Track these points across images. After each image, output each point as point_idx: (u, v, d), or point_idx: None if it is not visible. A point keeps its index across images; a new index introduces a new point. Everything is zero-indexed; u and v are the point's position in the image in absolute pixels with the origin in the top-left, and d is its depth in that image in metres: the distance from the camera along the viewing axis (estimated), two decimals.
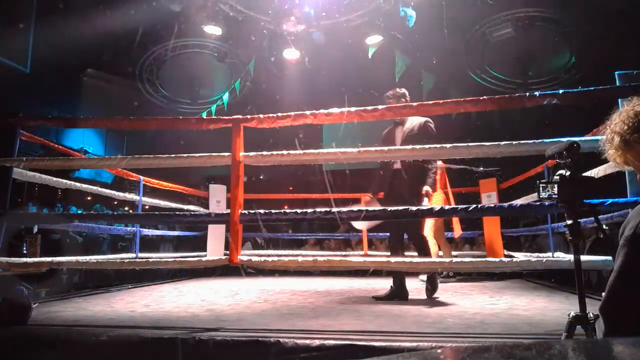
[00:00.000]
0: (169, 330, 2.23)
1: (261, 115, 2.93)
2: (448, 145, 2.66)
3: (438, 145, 2.71)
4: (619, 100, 2.36)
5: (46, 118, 3.30)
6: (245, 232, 6.89)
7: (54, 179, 3.67)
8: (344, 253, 6.31)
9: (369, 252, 6.16)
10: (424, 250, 3.55)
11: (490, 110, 2.92)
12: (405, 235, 3.73)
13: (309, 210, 2.76)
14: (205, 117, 3.07)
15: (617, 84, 2.59)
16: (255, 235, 7.41)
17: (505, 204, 2.86)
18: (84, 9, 7.13)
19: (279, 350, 1.95)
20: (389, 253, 3.86)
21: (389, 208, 2.89)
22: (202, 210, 5.89)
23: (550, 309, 3.03)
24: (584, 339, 1.60)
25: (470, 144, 2.64)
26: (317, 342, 1.95)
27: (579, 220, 1.68)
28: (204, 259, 3.67)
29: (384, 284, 4.87)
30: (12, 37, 6.76)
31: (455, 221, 5.31)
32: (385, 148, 2.82)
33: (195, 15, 7.17)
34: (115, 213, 3.64)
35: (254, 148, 2.95)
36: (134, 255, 4.99)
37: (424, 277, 4.47)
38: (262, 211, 2.82)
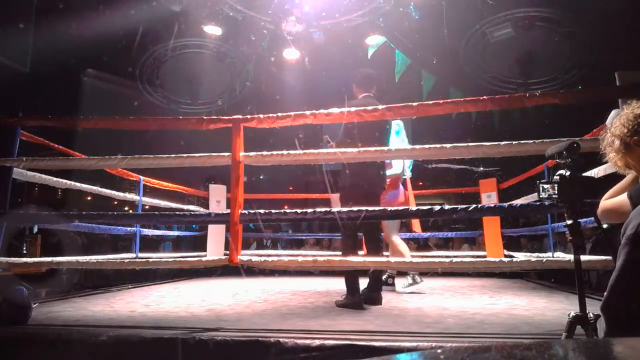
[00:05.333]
0: (169, 330, 2.23)
1: (261, 115, 2.93)
2: (448, 145, 2.66)
3: (438, 146, 2.71)
4: (619, 100, 2.36)
5: (46, 118, 3.28)
6: (248, 232, 6.91)
7: (54, 179, 3.66)
8: None
9: None
10: (378, 252, 3.38)
11: (490, 110, 2.93)
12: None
13: (309, 210, 2.76)
14: (205, 117, 3.06)
15: (617, 83, 2.59)
16: (258, 235, 7.42)
17: (505, 204, 2.85)
18: (83, 8, 7.12)
19: (279, 350, 1.95)
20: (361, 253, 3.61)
21: (389, 208, 2.89)
22: (202, 210, 5.89)
23: (550, 309, 3.03)
24: (584, 339, 1.60)
25: (470, 144, 2.64)
26: (317, 342, 1.95)
27: (579, 220, 1.68)
28: (204, 259, 3.67)
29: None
30: (12, 37, 6.75)
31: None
32: (385, 148, 2.82)
33: (195, 15, 7.17)
34: (115, 213, 3.64)
35: (254, 148, 2.95)
36: (134, 255, 4.99)
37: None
38: (262, 211, 2.82)
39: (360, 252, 3.55)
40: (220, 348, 2.01)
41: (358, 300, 3.13)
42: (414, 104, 2.80)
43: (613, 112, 2.04)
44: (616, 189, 1.62)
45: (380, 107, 2.89)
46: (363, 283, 3.30)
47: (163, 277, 6.35)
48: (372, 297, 3.28)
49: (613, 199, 1.58)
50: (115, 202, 8.73)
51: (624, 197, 1.50)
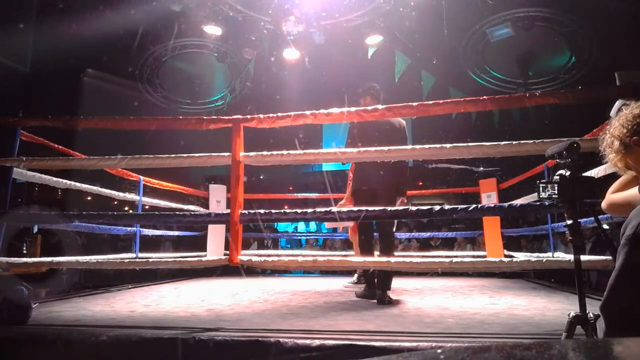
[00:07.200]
0: (169, 330, 2.23)
1: (261, 115, 2.93)
2: (448, 145, 2.66)
3: (438, 146, 2.71)
4: (619, 100, 2.36)
5: (46, 118, 3.28)
6: (249, 232, 6.90)
7: (54, 179, 3.66)
8: (343, 253, 6.31)
9: None
10: (390, 251, 3.51)
11: (490, 110, 2.93)
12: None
13: (309, 210, 2.76)
14: (205, 117, 3.07)
15: (617, 83, 2.59)
16: (258, 235, 7.43)
17: (505, 204, 2.85)
18: (84, 8, 7.12)
19: (279, 350, 1.95)
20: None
21: (389, 208, 2.89)
22: (202, 210, 5.89)
23: (550, 309, 3.03)
24: (584, 339, 1.60)
25: (470, 144, 2.64)
26: (317, 342, 1.95)
27: (579, 220, 1.68)
28: (204, 259, 3.66)
29: None
30: (12, 37, 6.75)
31: None
32: (385, 148, 2.81)
33: (195, 15, 7.18)
34: (115, 213, 3.63)
35: (254, 148, 2.95)
36: (134, 255, 4.99)
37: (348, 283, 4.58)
38: (262, 211, 2.82)
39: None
40: (220, 348, 2.01)
41: (374, 292, 3.38)
42: (414, 104, 2.80)
43: (618, 102, 2.03)
44: (622, 182, 1.60)
45: (380, 107, 2.90)
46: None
47: (163, 277, 6.34)
48: (377, 295, 3.35)
49: (622, 193, 1.56)
50: (115, 202, 8.72)
51: (634, 191, 1.48)
